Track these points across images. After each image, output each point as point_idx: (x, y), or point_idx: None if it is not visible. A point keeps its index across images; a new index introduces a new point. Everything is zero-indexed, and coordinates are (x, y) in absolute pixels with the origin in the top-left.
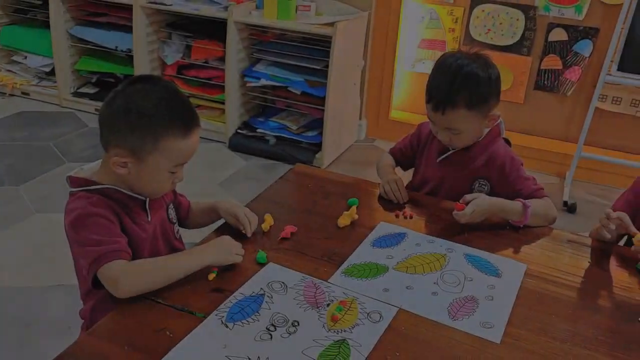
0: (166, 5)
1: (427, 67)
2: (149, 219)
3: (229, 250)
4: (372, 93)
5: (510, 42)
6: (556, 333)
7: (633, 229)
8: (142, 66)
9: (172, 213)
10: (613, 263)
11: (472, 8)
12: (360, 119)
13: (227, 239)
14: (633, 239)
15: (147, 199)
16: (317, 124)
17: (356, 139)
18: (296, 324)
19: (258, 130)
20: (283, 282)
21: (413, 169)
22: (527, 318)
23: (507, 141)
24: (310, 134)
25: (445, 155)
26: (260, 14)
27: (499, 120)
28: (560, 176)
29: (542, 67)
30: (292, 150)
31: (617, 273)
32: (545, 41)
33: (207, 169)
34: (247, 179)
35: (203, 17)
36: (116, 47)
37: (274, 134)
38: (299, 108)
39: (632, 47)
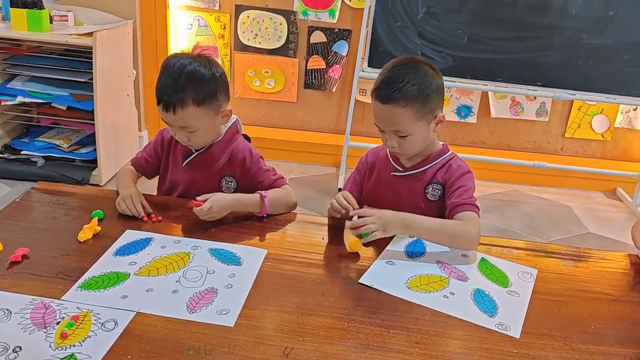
0: None
1: None
2: None
3: None
4: (151, 103)
5: (277, 45)
6: (287, 307)
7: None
8: None
9: None
10: (345, 236)
11: (237, 14)
12: (140, 130)
13: None
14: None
15: None
16: (91, 140)
17: (138, 151)
18: (18, 349)
19: (23, 152)
20: (7, 309)
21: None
22: (263, 298)
23: (247, 137)
24: (84, 150)
25: (190, 158)
26: (9, 26)
27: (234, 118)
28: (336, 166)
29: (308, 67)
30: (64, 170)
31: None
32: (308, 43)
33: None
34: None
35: None
36: None
37: (43, 155)
38: (68, 124)
39: (377, 45)
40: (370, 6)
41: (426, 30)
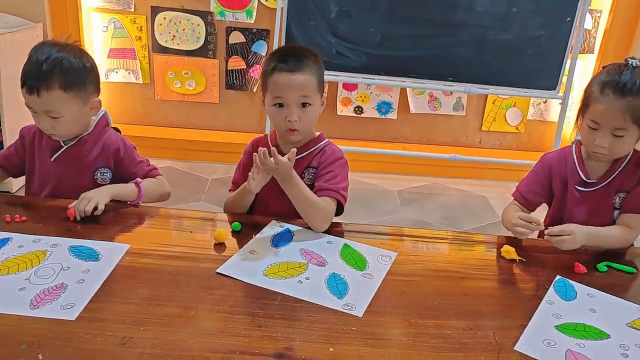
0: None
1: (121, 76)
2: None
3: None
4: None
5: (195, 46)
6: (136, 299)
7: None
8: None
9: None
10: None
11: (153, 16)
12: None
13: None
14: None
15: None
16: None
17: None
18: None
19: None
20: None
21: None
22: (113, 291)
23: (118, 130)
24: None
25: (59, 153)
26: None
27: (103, 111)
28: None
29: (229, 68)
30: None
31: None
32: (227, 44)
33: None
34: None
35: None
36: None
37: None
38: None
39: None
40: (282, 7)
41: (339, 29)
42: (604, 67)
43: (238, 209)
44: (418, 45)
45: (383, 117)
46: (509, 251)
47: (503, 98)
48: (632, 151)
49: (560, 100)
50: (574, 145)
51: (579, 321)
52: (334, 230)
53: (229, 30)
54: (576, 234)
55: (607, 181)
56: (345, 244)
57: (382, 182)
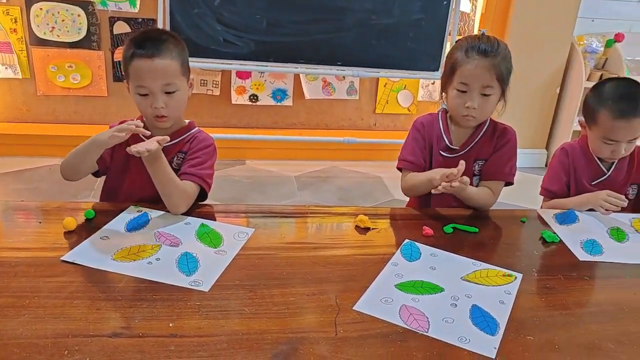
0: None
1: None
2: None
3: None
4: None
5: (77, 38)
6: None
7: None
8: None
9: None
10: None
11: (28, 7)
12: None
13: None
14: None
15: None
16: None
17: None
18: None
19: None
20: None
21: None
22: None
23: None
24: None
25: None
26: None
27: None
28: None
29: (116, 60)
30: None
31: None
32: (112, 34)
33: None
34: None
35: None
36: None
37: None
38: None
39: (177, 33)
40: None
41: (225, 16)
42: (459, 39)
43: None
44: (305, 31)
45: (279, 104)
46: (363, 220)
47: (394, 81)
48: (489, 120)
49: (434, 81)
50: (440, 113)
51: (418, 279)
52: (195, 212)
53: (113, 21)
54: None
55: (467, 148)
56: (202, 223)
57: (280, 168)
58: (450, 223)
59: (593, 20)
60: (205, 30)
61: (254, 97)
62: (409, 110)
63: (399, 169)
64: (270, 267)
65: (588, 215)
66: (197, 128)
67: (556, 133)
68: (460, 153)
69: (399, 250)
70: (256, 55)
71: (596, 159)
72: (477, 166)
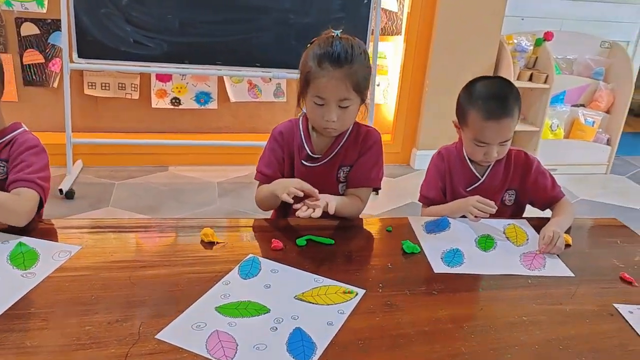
0: None
1: None
2: None
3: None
4: None
5: None
6: None
7: None
8: None
9: None
10: None
11: None
12: None
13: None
14: None
15: None
16: None
17: None
18: None
19: None
20: None
21: None
22: None
23: None
24: None
25: None
26: None
27: None
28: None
29: (25, 63)
30: None
31: None
32: (19, 36)
33: None
34: None
35: None
36: None
37: None
38: None
39: (84, 35)
40: None
41: (134, 16)
42: (312, 42)
43: None
44: (221, 31)
45: (203, 107)
46: (207, 234)
47: None
48: (352, 125)
49: None
50: (300, 119)
51: (245, 299)
52: (26, 228)
53: (20, 22)
54: (330, 201)
55: (331, 156)
56: (19, 242)
57: (203, 174)
58: (306, 234)
59: (522, 19)
60: (114, 31)
61: (176, 101)
62: None
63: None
64: (80, 290)
65: (461, 223)
66: (21, 129)
67: None
68: (324, 161)
69: (237, 266)
70: (170, 57)
71: (470, 164)
72: (342, 173)
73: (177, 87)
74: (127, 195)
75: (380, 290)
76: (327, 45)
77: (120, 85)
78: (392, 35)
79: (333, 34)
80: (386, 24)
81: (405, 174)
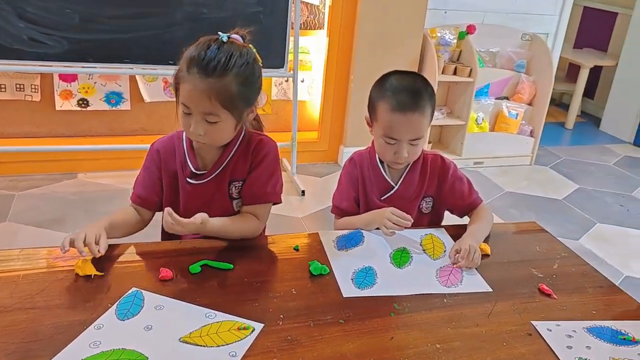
0: None
1: None
2: None
3: None
4: None
5: None
6: None
7: None
8: None
9: None
10: None
11: None
12: None
13: None
14: None
15: None
16: None
17: None
18: None
19: None
20: None
21: None
22: None
23: None
24: None
25: None
26: None
27: None
28: None
29: None
30: None
31: None
32: None
33: None
34: None
35: None
36: None
37: None
38: None
39: None
40: None
41: (28, 11)
42: (199, 39)
43: None
44: (129, 27)
45: (114, 109)
46: (82, 267)
47: None
48: (242, 136)
49: (286, 78)
50: (184, 133)
51: (120, 346)
52: None
53: None
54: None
55: (218, 170)
56: None
57: (116, 180)
58: (201, 259)
59: (445, 12)
60: (5, 28)
61: (83, 102)
62: (264, 110)
63: None
64: None
65: (376, 235)
66: None
67: None
68: (210, 177)
69: (115, 304)
70: (72, 55)
71: (383, 171)
72: (234, 189)
73: (83, 88)
74: (28, 207)
75: (281, 323)
76: (204, 45)
77: (18, 86)
78: (314, 29)
79: (218, 36)
80: (308, 17)
81: (333, 172)
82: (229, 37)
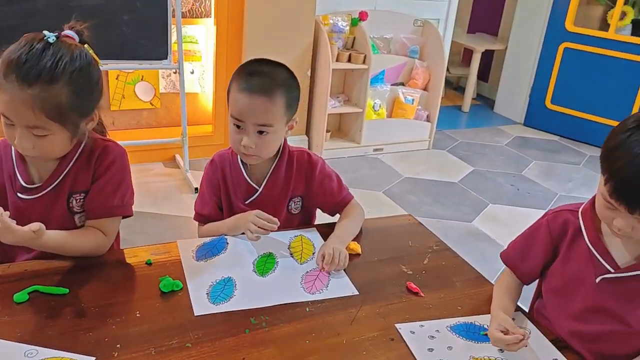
0: None
1: None
2: None
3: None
4: None
5: None
6: None
7: None
8: None
9: None
10: None
11: None
12: None
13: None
14: None
15: None
16: None
17: None
18: None
19: None
20: None
21: None
22: None
23: None
24: None
25: None
26: None
27: None
28: None
29: None
30: None
31: None
32: None
33: None
34: None
35: None
36: None
37: None
38: None
39: None
40: None
41: None
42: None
43: None
44: None
45: None
46: None
47: (127, 72)
48: (83, 144)
49: (174, 70)
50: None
51: None
52: None
53: None
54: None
55: (55, 183)
56: None
57: None
58: (30, 285)
59: None
60: None
61: None
62: (152, 104)
63: None
64: None
65: (242, 241)
66: None
67: (314, 117)
68: (46, 191)
69: None
70: None
71: (245, 174)
72: (74, 202)
73: None
74: None
75: (116, 355)
76: (23, 50)
77: None
78: (201, 17)
79: (43, 36)
80: (193, 5)
81: None
82: (57, 37)
